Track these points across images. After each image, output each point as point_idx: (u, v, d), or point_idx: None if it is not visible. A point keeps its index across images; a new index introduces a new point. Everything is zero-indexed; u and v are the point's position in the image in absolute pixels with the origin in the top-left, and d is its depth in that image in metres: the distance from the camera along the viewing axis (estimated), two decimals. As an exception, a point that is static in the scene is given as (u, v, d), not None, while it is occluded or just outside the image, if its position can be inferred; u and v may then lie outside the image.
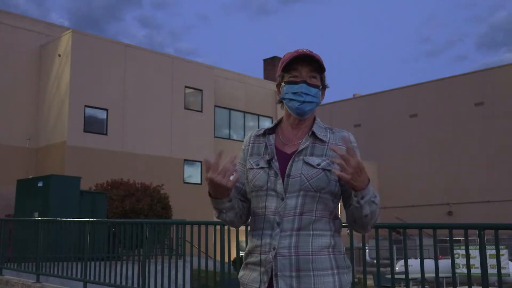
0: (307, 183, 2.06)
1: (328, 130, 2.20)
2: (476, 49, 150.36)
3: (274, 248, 2.04)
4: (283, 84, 2.20)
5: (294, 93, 2.14)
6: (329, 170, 2.09)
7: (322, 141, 2.15)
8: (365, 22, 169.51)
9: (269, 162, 2.14)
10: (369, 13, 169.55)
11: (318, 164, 2.08)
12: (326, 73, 2.24)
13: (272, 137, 2.22)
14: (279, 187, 2.08)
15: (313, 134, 2.16)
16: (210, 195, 2.08)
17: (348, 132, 2.21)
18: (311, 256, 2.02)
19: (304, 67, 2.15)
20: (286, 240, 2.04)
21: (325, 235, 2.07)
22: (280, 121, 2.29)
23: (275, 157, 2.14)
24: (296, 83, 2.15)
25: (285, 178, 2.08)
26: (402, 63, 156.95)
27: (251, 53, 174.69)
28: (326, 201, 2.09)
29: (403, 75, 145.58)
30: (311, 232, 2.05)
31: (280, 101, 2.24)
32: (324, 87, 2.23)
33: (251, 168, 2.17)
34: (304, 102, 2.14)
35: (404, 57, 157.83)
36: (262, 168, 2.14)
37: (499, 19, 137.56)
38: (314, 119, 2.24)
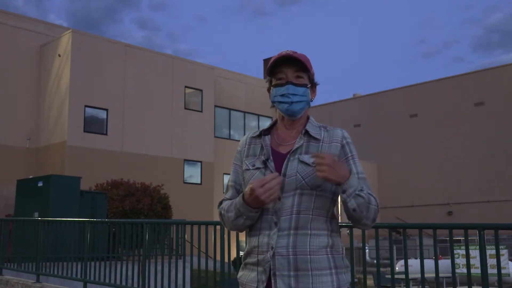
0: (303, 181, 2.07)
1: (322, 129, 2.21)
2: (472, 51, 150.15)
3: (272, 248, 2.05)
4: (271, 88, 2.22)
5: (282, 95, 2.16)
6: None
7: (316, 139, 2.17)
8: (363, 23, 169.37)
9: (264, 162, 2.15)
10: (366, 14, 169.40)
11: (313, 162, 2.09)
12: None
13: (267, 138, 2.23)
14: (276, 186, 2.08)
15: (307, 133, 2.18)
16: (243, 198, 2.07)
17: (342, 130, 2.22)
18: (309, 256, 2.03)
19: (288, 68, 2.17)
20: (284, 240, 2.04)
21: (322, 234, 2.08)
22: (275, 122, 2.31)
23: (271, 157, 2.16)
24: (282, 85, 2.17)
25: (281, 178, 2.08)
26: (399, 64, 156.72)
27: (250, 53, 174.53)
28: (322, 200, 2.10)
29: (401, 76, 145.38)
30: (309, 232, 2.06)
31: (273, 105, 2.25)
32: (313, 85, 2.24)
33: (247, 169, 2.19)
34: (292, 102, 2.16)
35: (401, 59, 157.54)
36: (258, 168, 2.16)
37: (494, 21, 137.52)
38: (308, 118, 2.25)
